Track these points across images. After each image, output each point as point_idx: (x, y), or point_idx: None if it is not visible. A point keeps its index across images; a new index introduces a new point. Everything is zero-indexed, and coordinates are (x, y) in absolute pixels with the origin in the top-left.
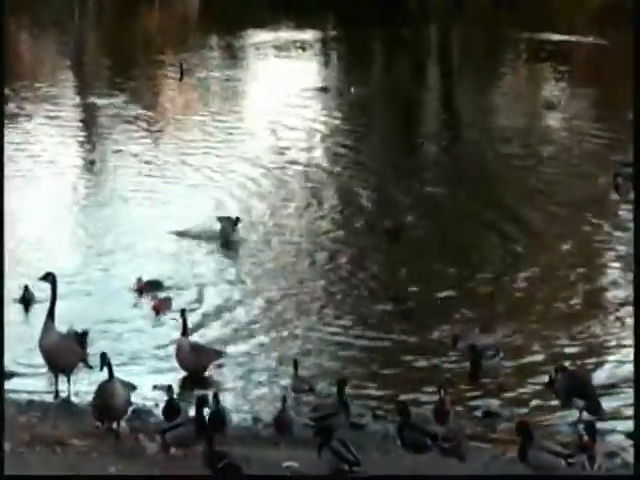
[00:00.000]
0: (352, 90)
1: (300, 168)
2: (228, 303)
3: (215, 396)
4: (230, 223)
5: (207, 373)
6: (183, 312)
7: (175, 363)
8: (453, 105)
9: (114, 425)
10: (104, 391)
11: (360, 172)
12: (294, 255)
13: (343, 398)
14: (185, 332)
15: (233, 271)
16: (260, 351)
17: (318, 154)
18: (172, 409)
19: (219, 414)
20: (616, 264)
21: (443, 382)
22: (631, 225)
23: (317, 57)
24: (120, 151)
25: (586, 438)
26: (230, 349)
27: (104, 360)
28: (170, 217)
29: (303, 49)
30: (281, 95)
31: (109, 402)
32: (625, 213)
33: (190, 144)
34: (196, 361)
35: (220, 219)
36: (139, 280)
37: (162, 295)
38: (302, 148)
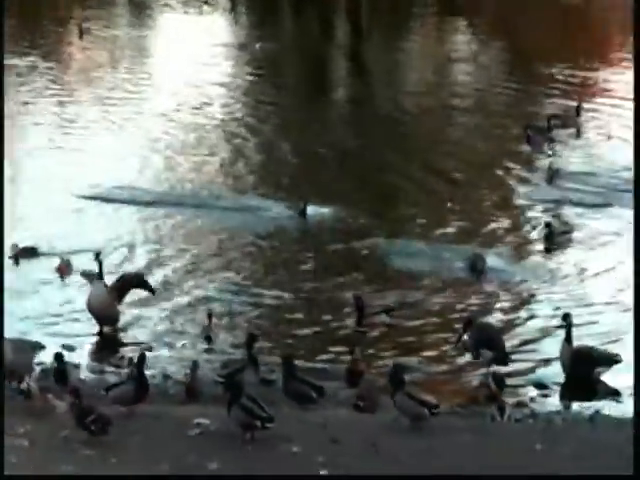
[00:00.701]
0: (258, 46)
1: (219, 123)
2: (151, 262)
3: (141, 358)
4: (299, 208)
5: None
6: (98, 255)
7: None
8: (364, 59)
9: (23, 385)
10: None
11: (279, 126)
12: (221, 211)
13: (252, 353)
14: (101, 275)
15: (157, 231)
16: (176, 310)
17: (235, 109)
18: (61, 374)
19: (143, 377)
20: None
21: (355, 342)
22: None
23: (226, 13)
24: (31, 105)
25: (495, 389)
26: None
27: None
28: (87, 174)
29: (211, 5)
30: (191, 51)
31: None
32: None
33: (102, 101)
34: (111, 307)
35: (290, 208)
36: (14, 246)
37: (66, 257)
38: (217, 103)
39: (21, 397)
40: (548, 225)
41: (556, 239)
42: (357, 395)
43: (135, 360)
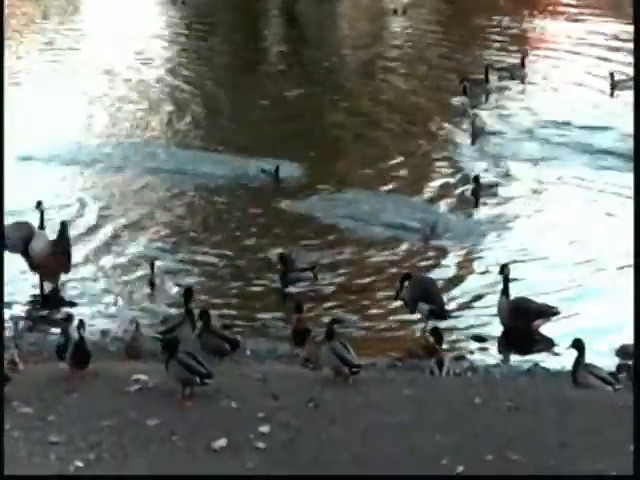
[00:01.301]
0: (179, 0)
1: (159, 76)
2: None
3: (80, 325)
4: (271, 172)
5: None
6: (39, 204)
7: None
8: (298, 10)
9: None
10: None
11: (220, 80)
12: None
13: (189, 307)
14: (42, 225)
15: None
16: (116, 267)
17: (175, 62)
18: None
19: (83, 346)
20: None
21: (299, 301)
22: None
23: None
24: None
25: (433, 342)
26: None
27: None
28: (26, 133)
29: None
30: (118, 6)
31: None
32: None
33: (40, 55)
34: (51, 254)
35: (263, 170)
36: None
37: None
38: (156, 56)
39: None
40: (476, 179)
41: (483, 193)
42: (304, 357)
43: (74, 326)
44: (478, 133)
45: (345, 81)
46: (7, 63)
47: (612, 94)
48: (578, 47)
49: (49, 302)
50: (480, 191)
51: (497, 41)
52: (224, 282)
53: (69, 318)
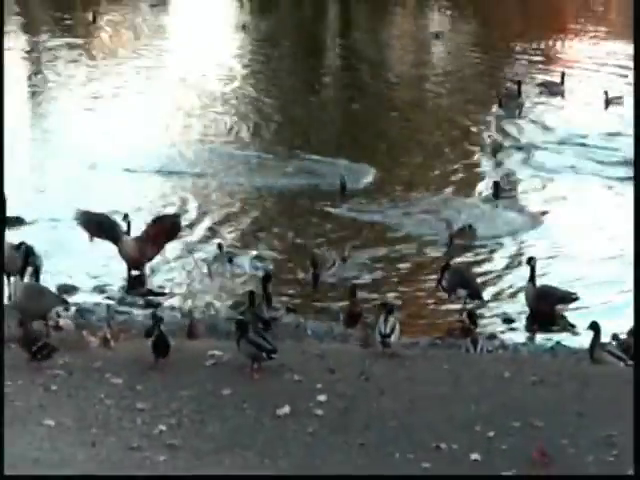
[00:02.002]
0: (247, 26)
1: (244, 89)
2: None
3: (157, 319)
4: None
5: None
6: (126, 216)
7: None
8: (350, 37)
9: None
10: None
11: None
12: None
13: (267, 293)
14: (129, 232)
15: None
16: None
17: (255, 77)
18: None
19: (163, 338)
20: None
21: (354, 287)
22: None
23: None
24: (69, 76)
25: (469, 323)
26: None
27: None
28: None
29: None
30: (198, 31)
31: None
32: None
33: (132, 70)
34: (135, 251)
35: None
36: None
37: None
38: (238, 72)
39: (58, 334)
40: (496, 184)
41: (502, 195)
42: (357, 337)
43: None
44: (498, 149)
45: (399, 95)
46: (107, 79)
47: (606, 109)
48: (605, 65)
49: (137, 287)
50: (499, 194)
51: (531, 60)
52: (289, 273)
53: (154, 301)
